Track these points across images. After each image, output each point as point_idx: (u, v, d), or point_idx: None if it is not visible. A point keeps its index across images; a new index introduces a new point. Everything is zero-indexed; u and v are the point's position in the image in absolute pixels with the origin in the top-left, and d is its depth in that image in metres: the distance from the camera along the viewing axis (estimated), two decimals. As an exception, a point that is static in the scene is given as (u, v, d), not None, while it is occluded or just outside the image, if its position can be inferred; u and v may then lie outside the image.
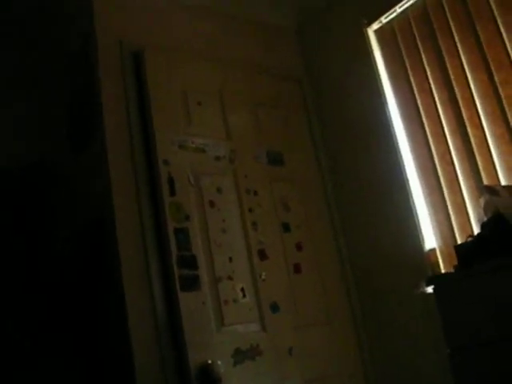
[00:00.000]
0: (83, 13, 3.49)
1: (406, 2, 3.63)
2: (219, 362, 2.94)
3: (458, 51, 3.35)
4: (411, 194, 3.54)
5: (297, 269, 3.55)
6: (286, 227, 3.60)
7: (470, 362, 2.55)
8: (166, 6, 3.69)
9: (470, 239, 2.78)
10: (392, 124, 3.67)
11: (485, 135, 3.23)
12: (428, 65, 3.50)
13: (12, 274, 3.54)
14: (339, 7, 4.05)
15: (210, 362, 2.92)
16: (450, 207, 3.36)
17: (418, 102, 3.54)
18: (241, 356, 3.10)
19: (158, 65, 3.40)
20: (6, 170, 3.77)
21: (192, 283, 3.06)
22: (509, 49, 3.16)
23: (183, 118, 3.40)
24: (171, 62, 3.47)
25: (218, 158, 3.45)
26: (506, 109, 3.15)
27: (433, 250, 3.44)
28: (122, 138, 3.22)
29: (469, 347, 2.56)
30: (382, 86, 3.75)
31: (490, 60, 3.22)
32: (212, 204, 3.31)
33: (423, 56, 3.52)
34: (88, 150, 3.38)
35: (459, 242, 3.23)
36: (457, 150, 3.34)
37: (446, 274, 3.11)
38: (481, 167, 3.22)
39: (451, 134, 3.36)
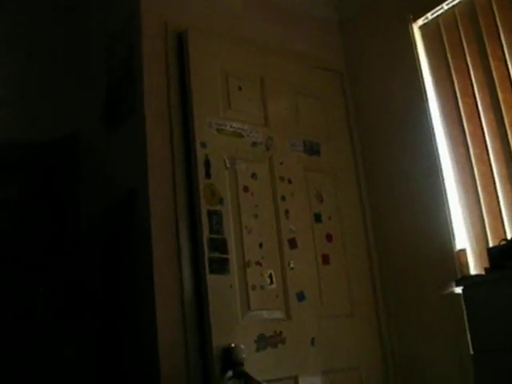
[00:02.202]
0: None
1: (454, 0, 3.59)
2: (242, 346, 2.95)
3: (504, 54, 3.31)
4: (446, 193, 3.52)
5: (325, 260, 3.56)
6: (318, 217, 3.62)
7: (493, 366, 2.55)
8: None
9: (503, 243, 2.77)
10: (431, 122, 3.65)
11: (525, 140, 3.21)
12: (472, 65, 3.46)
13: (36, 246, 3.58)
14: (384, 1, 4.02)
15: (233, 345, 2.93)
16: (484, 209, 3.34)
17: (459, 101, 3.51)
18: (264, 342, 3.13)
19: (201, 47, 3.41)
20: (39, 142, 3.81)
21: (221, 266, 3.08)
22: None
23: (223, 101, 3.41)
24: (214, 46, 3.49)
25: (254, 144, 3.46)
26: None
27: (463, 251, 3.40)
28: (161, 118, 3.25)
29: (493, 351, 2.55)
30: (423, 84, 3.72)
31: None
32: (246, 189, 3.32)
33: (468, 56, 3.49)
34: (124, 128, 3.42)
35: (491, 244, 3.21)
36: (495, 152, 3.31)
37: (476, 275, 3.07)
38: (519, 171, 3.20)
39: (490, 137, 3.34)
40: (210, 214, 3.12)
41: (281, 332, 3.21)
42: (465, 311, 2.72)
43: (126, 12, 3.51)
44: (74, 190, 3.77)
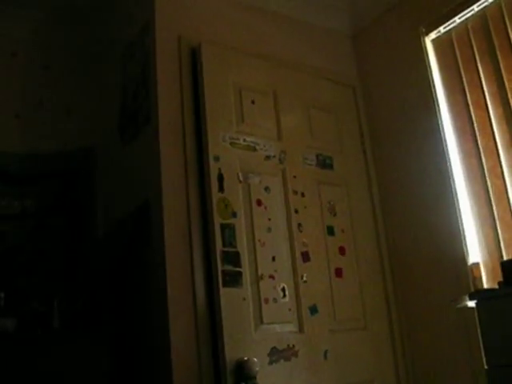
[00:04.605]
0: (144, 5, 3.55)
1: (467, 13, 3.59)
2: (255, 359, 2.94)
3: (517, 67, 3.31)
4: (459, 206, 3.51)
5: (338, 273, 3.56)
6: (331, 231, 3.61)
7: (507, 381, 2.52)
8: (225, 4, 3.73)
9: (517, 256, 2.77)
10: (444, 134, 3.65)
11: (539, 153, 3.19)
12: (485, 78, 3.45)
13: (53, 255, 3.61)
14: (397, 14, 4.03)
15: (246, 358, 2.93)
16: (497, 222, 3.31)
17: (472, 114, 3.51)
18: (276, 355, 3.12)
19: (215, 61, 3.43)
20: (57, 153, 3.85)
21: (234, 279, 3.08)
22: None
23: (236, 115, 3.43)
24: (228, 60, 3.51)
25: (268, 158, 3.47)
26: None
27: (476, 264, 3.40)
28: (174, 132, 3.26)
29: (508, 366, 2.53)
30: (436, 97, 3.72)
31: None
32: (259, 203, 3.33)
33: (480, 69, 3.48)
34: (139, 140, 3.44)
35: (505, 258, 3.20)
36: (508, 165, 3.30)
37: (490, 289, 3.06)
38: (532, 184, 3.19)
39: (504, 149, 3.32)
40: (223, 227, 3.13)
41: (294, 345, 3.20)
42: (478, 325, 2.70)
43: (141, 26, 3.55)
44: (90, 201, 3.81)
